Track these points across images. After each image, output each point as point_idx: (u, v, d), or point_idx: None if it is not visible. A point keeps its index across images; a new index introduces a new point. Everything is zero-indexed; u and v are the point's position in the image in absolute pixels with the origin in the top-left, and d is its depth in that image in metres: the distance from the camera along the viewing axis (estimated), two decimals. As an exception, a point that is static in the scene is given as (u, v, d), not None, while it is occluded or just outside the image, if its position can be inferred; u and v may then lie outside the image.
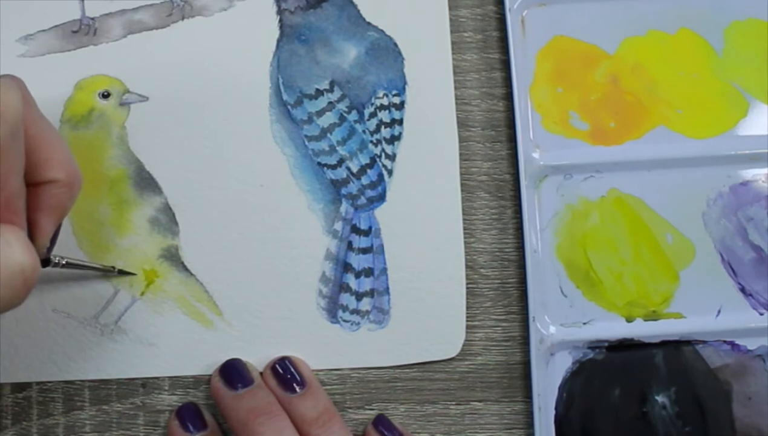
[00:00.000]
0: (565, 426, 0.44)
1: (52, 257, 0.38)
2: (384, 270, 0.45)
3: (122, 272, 0.43)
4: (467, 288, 0.45)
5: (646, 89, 0.46)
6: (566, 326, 0.45)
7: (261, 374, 0.43)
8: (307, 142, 0.45)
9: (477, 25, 0.46)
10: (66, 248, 0.43)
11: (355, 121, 0.45)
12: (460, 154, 0.45)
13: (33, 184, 0.35)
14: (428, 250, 0.45)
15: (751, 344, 0.45)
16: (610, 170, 0.46)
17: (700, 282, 0.45)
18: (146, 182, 0.44)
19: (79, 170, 0.36)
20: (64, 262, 0.40)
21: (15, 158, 0.32)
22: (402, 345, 0.44)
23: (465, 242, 0.45)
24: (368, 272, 0.45)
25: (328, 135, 0.45)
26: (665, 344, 0.45)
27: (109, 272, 0.43)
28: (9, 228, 0.32)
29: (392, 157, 0.45)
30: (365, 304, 0.44)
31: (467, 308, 0.45)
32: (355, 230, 0.45)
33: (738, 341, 0.45)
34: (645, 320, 0.45)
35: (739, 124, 0.46)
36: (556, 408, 0.45)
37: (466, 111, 0.46)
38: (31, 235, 0.35)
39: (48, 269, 0.39)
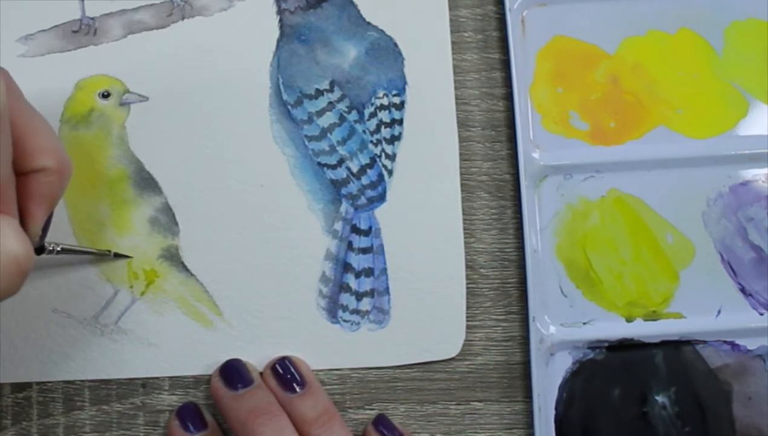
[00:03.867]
0: (565, 426, 0.44)
1: (45, 244, 0.38)
2: (384, 270, 0.45)
3: (118, 256, 0.43)
4: (467, 288, 0.45)
5: (646, 89, 0.46)
6: (566, 326, 0.45)
7: (261, 374, 0.43)
8: (307, 142, 0.45)
9: (477, 25, 0.46)
10: (66, 248, 0.43)
11: (355, 121, 0.45)
12: (460, 154, 0.45)
13: (23, 173, 0.35)
14: (428, 250, 0.45)
15: (751, 344, 0.45)
16: (610, 170, 0.46)
17: (700, 282, 0.45)
18: (146, 182, 0.44)
19: (68, 157, 0.36)
20: (59, 248, 0.39)
21: (2, 147, 0.32)
22: (402, 345, 0.44)
23: (465, 242, 0.45)
24: (368, 272, 0.45)
25: (328, 135, 0.45)
26: (665, 344, 0.45)
27: (104, 256, 0.43)
28: (1, 217, 0.32)
29: (392, 157, 0.45)
30: (365, 304, 0.44)
31: (467, 308, 0.45)
32: (355, 230, 0.45)
33: (738, 341, 0.45)
34: (645, 320, 0.45)
35: (739, 124, 0.46)
36: (556, 408, 0.45)
37: (466, 111, 0.46)
38: (23, 224, 0.35)
39: (48, 264, 0.39)
